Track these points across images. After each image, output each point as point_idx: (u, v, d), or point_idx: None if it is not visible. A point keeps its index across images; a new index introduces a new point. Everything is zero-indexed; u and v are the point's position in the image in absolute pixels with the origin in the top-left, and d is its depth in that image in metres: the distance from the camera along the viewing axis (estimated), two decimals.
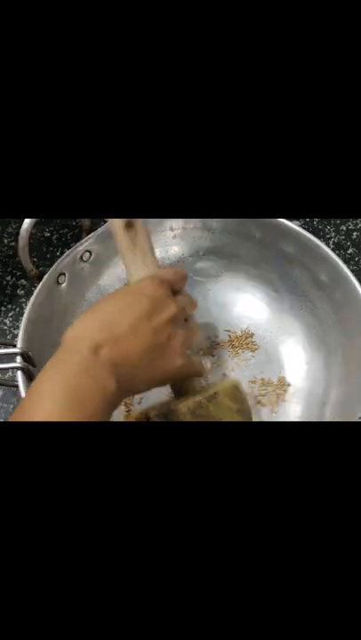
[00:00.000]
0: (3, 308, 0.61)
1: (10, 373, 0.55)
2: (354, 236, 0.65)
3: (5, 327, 0.60)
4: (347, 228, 0.66)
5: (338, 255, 0.64)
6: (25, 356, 0.47)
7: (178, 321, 0.42)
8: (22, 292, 0.62)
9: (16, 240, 0.66)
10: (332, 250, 0.64)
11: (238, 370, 0.56)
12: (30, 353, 0.47)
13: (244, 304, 0.59)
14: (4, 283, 0.63)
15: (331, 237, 0.65)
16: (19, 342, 0.48)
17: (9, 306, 0.61)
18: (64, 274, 0.54)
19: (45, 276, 0.52)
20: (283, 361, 0.56)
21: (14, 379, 0.47)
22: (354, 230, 0.66)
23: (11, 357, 0.46)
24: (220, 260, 0.59)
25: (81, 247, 0.55)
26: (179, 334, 0.41)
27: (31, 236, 0.65)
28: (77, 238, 0.65)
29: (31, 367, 0.47)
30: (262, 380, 0.55)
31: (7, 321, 0.60)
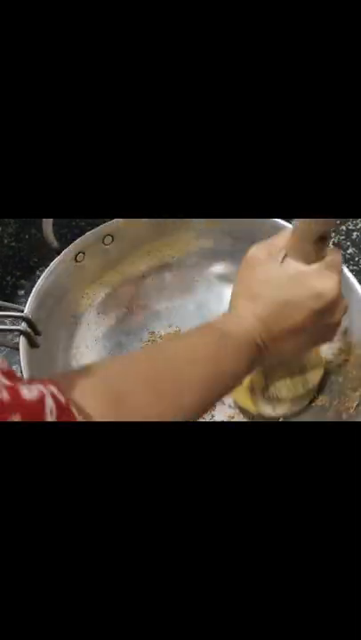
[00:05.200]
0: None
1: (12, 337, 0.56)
2: (354, 236, 0.66)
3: (7, 321, 0.60)
4: (347, 228, 0.66)
5: None
6: (28, 322, 0.48)
7: (335, 306, 0.42)
8: (22, 291, 0.62)
9: (16, 240, 0.66)
10: None
11: None
12: (34, 320, 0.48)
13: None
14: (4, 283, 0.63)
15: (331, 237, 0.65)
16: (26, 308, 0.49)
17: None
18: (83, 253, 0.54)
19: (64, 251, 0.53)
20: None
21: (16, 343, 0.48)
22: (354, 230, 0.66)
23: (17, 322, 0.48)
24: (237, 266, 0.59)
25: (103, 230, 0.55)
26: (331, 318, 0.42)
27: (31, 235, 0.66)
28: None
29: (32, 333, 0.48)
30: None
31: (7, 321, 0.60)
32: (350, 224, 0.67)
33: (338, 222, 0.45)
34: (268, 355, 0.41)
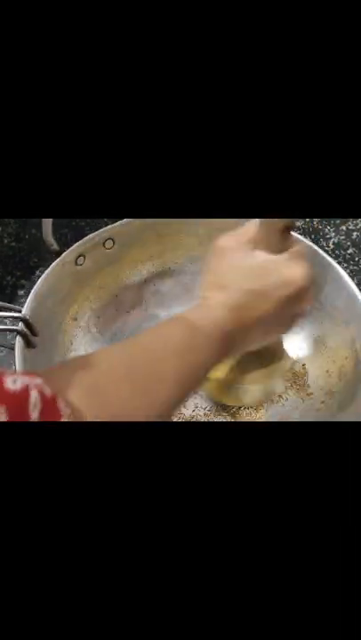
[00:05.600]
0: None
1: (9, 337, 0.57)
2: (354, 236, 0.66)
3: (5, 326, 0.60)
4: (347, 228, 0.66)
5: (338, 255, 0.64)
6: (26, 322, 0.48)
7: (304, 294, 0.43)
8: (22, 292, 0.62)
9: (16, 240, 0.66)
10: (332, 250, 0.64)
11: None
12: (32, 321, 0.48)
13: None
14: (4, 283, 0.63)
15: (331, 237, 0.66)
16: (24, 309, 0.49)
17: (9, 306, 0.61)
18: (83, 256, 0.54)
19: (64, 253, 0.53)
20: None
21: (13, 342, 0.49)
22: (354, 230, 0.66)
23: (15, 323, 0.49)
24: None
25: (105, 233, 0.55)
26: (298, 306, 0.43)
27: (31, 235, 0.66)
28: (79, 238, 0.65)
29: (29, 334, 0.48)
30: None
31: (7, 321, 0.60)
32: (350, 224, 0.67)
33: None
34: (239, 343, 0.41)
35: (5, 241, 0.66)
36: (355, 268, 0.63)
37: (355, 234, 0.66)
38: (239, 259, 0.42)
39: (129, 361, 0.35)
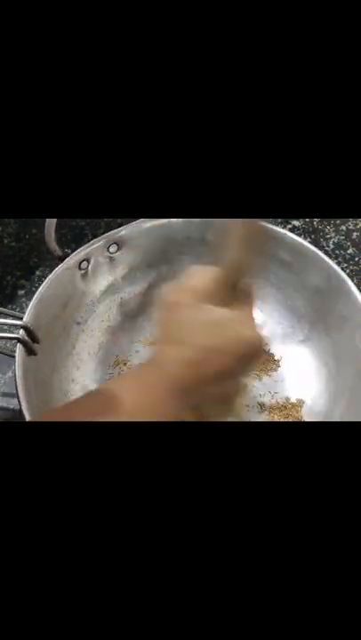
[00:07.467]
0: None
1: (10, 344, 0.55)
2: (354, 236, 0.66)
3: (5, 327, 0.60)
4: (347, 228, 0.66)
5: (337, 255, 0.64)
6: (27, 330, 0.47)
7: (257, 349, 0.43)
8: (22, 292, 0.62)
9: (16, 240, 0.66)
10: (332, 250, 0.64)
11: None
12: (33, 328, 0.48)
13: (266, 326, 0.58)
14: (4, 283, 0.63)
15: (331, 237, 0.66)
16: (25, 316, 0.48)
17: (9, 306, 0.61)
18: (87, 260, 0.54)
19: (68, 258, 0.52)
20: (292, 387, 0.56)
21: (14, 349, 0.48)
22: (354, 230, 0.66)
23: (16, 329, 0.48)
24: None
25: (109, 238, 0.55)
26: (251, 360, 0.43)
27: (31, 235, 0.66)
28: (78, 239, 0.65)
29: (30, 341, 0.47)
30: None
31: (5, 327, 0.60)
32: (350, 224, 0.67)
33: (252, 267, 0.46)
34: (195, 396, 0.41)
35: (5, 241, 0.66)
36: (355, 267, 0.63)
37: (355, 234, 0.66)
38: (192, 313, 0.41)
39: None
